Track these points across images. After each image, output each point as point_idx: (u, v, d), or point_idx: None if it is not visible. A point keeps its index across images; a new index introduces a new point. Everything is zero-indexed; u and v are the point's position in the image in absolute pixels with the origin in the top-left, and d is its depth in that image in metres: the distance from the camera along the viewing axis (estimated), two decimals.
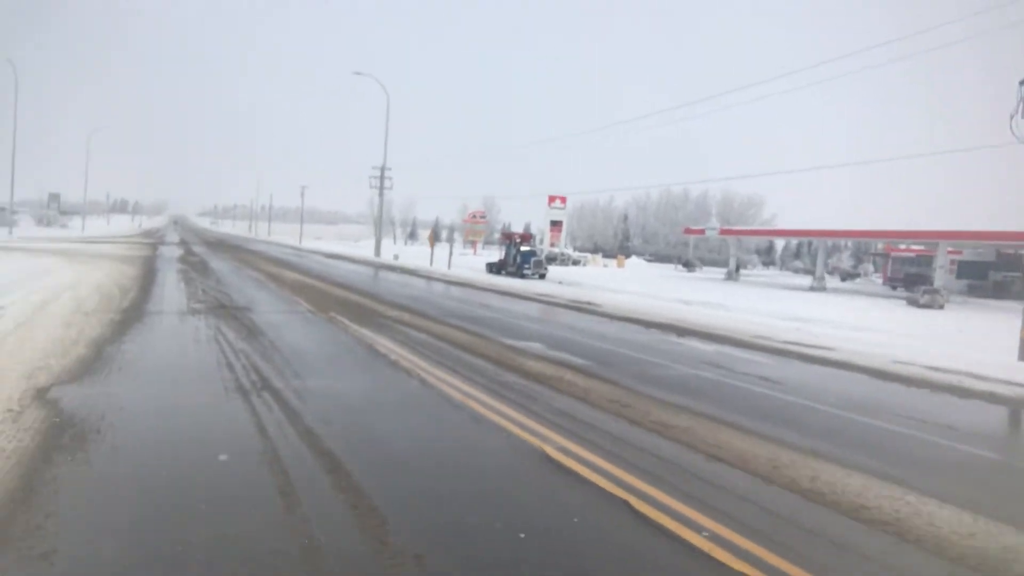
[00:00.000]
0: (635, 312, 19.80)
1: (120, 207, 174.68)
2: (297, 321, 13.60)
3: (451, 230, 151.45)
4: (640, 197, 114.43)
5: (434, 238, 53.99)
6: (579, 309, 20.18)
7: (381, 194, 65.36)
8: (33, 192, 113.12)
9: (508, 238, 43.78)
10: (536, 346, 12.08)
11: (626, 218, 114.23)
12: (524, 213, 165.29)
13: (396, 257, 55.39)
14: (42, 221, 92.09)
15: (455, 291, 24.85)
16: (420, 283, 27.96)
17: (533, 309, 19.52)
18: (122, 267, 24.96)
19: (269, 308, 15.26)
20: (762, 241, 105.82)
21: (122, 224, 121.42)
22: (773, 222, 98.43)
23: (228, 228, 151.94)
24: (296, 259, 40.55)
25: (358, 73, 59.34)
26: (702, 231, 67.44)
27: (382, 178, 63.54)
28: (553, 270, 44.36)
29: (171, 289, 18.38)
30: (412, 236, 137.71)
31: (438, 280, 30.93)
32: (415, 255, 62.11)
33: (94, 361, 8.77)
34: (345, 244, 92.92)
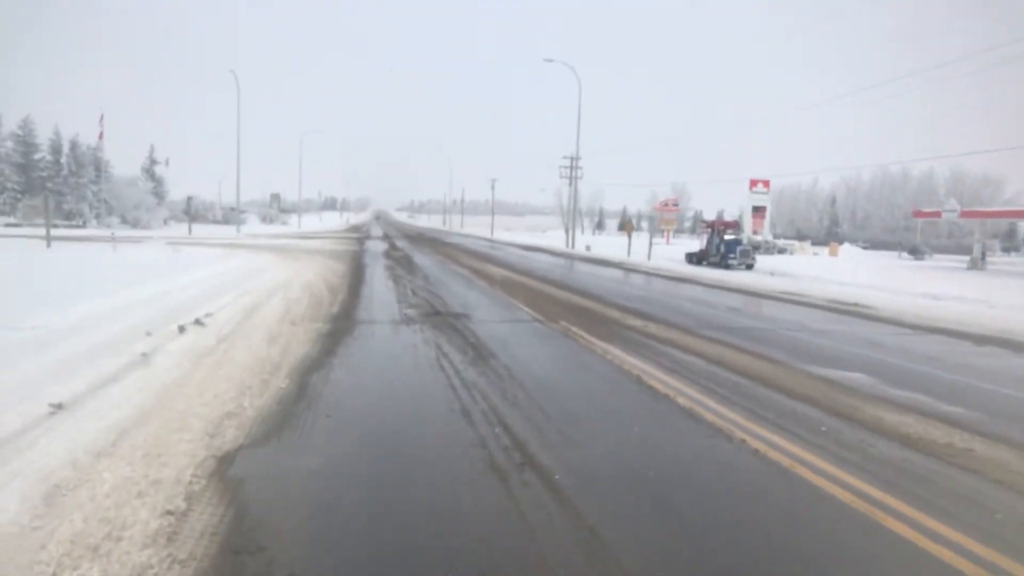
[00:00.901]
0: (928, 318, 15.35)
1: (330, 204, 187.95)
2: (526, 333, 11.03)
3: (639, 219, 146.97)
4: (850, 178, 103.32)
5: (630, 228, 50.68)
6: (845, 312, 16.07)
7: (573, 184, 63.11)
8: (258, 193, 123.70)
9: (710, 226, 39.86)
10: (863, 379, 8.54)
11: (834, 201, 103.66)
12: (716, 200, 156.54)
13: (588, 248, 52.71)
14: (265, 219, 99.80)
15: (679, 289, 21.52)
16: (634, 279, 24.89)
17: (789, 313, 15.74)
18: (332, 264, 24.19)
19: (488, 314, 12.92)
20: (999, 224, 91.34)
21: (332, 220, 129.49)
22: (1018, 201, 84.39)
23: (424, 222, 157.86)
24: (494, 252, 39.03)
25: (549, 60, 57.06)
26: (937, 213, 58.28)
27: (572, 168, 61.17)
28: (760, 260, 39.56)
29: (380, 289, 16.72)
30: (599, 226, 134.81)
31: (648, 273, 27.68)
32: (606, 245, 59.18)
33: (296, 402, 6.57)
34: (534, 235, 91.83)
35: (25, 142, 62.25)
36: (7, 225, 55.58)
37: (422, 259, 28.83)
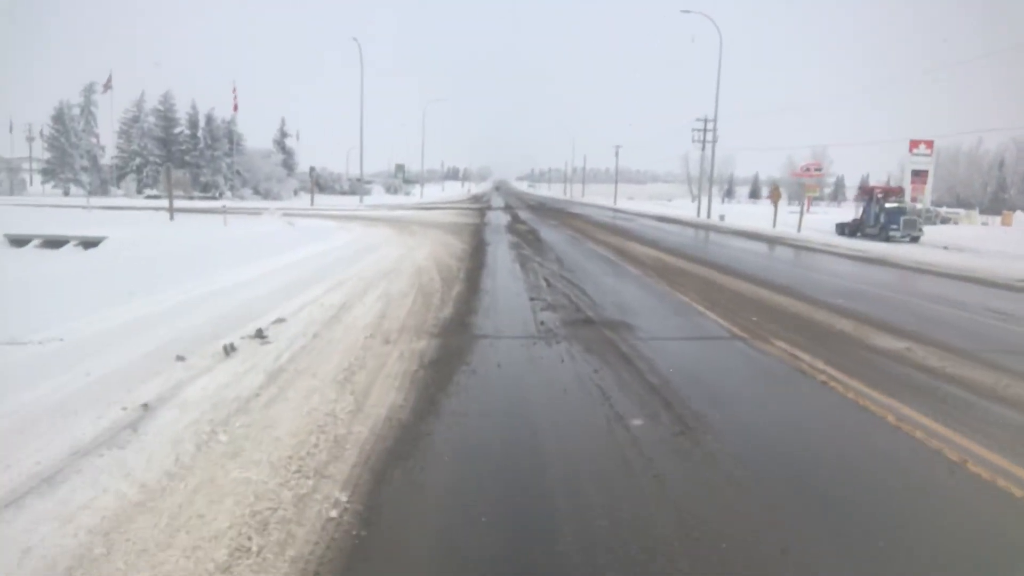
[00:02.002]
0: None
1: (452, 174, 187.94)
2: (734, 367, 7.05)
3: (774, 186, 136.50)
4: (1021, 138, 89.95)
5: (778, 195, 44.70)
6: None
7: (711, 148, 57.48)
8: (384, 164, 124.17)
9: (867, 193, 34.09)
10: None
11: (1002, 164, 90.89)
12: (859, 165, 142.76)
13: (722, 218, 47.14)
14: (389, 189, 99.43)
15: (875, 273, 16.74)
16: (807, 259, 20.13)
17: None
18: (450, 240, 20.96)
19: (659, 323, 9.05)
20: None
21: (454, 190, 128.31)
22: None
23: (544, 191, 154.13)
24: (626, 224, 34.79)
25: (686, 11, 51.24)
26: None
27: (709, 131, 55.59)
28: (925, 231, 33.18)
29: (504, 277, 13.17)
30: (728, 194, 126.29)
31: (813, 250, 22.69)
32: (741, 215, 53.32)
33: (364, 557, 3.08)
34: (659, 204, 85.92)
35: (166, 116, 63.45)
36: (148, 196, 56.81)
37: (549, 234, 25.16)
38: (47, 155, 58.00)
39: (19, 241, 27.09)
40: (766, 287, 12.51)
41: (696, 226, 36.96)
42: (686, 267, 15.52)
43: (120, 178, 61.28)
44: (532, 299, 10.55)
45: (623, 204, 79.98)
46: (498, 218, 36.04)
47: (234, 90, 60.28)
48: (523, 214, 41.52)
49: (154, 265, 15.19)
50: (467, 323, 8.71)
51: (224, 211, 26.87)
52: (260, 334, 7.58)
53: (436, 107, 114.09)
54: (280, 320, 8.33)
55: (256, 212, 32.94)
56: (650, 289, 12.03)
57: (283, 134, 76.45)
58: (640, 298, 11.08)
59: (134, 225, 28.46)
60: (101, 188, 61.89)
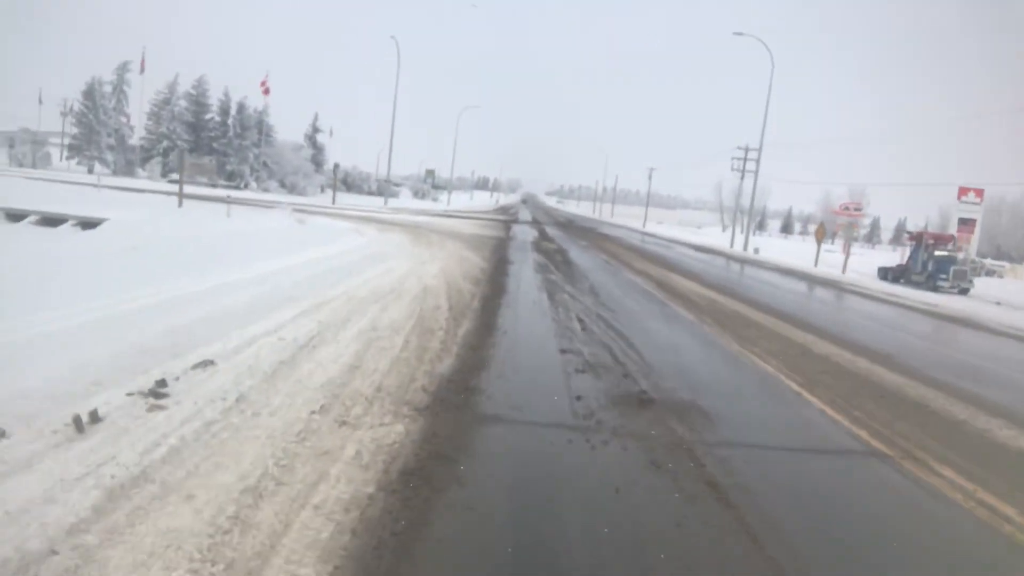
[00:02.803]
0: None
1: (482, 184, 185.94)
2: (910, 532, 4.24)
3: (805, 221, 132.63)
4: None
5: (823, 233, 41.57)
6: None
7: (748, 177, 54.73)
8: (415, 168, 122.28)
9: (916, 238, 31.47)
10: None
11: None
12: (895, 206, 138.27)
13: (756, 251, 44.10)
14: (417, 194, 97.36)
15: (966, 336, 13.85)
16: (877, 310, 17.20)
17: None
18: (469, 255, 18.31)
19: (749, 415, 6.19)
20: None
21: (482, 199, 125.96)
22: None
23: (572, 208, 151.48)
24: (661, 250, 31.97)
25: (739, 34, 48.46)
26: None
27: (745, 160, 52.88)
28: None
29: (528, 314, 10.45)
30: (760, 226, 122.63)
31: (878, 299, 19.70)
32: (775, 249, 50.32)
33: None
34: (688, 231, 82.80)
35: (197, 102, 61.81)
36: (171, 180, 55.02)
37: (580, 256, 22.45)
38: (75, 130, 56.48)
39: (15, 216, 24.97)
40: (863, 354, 9.63)
41: (734, 259, 34.04)
42: (748, 314, 12.69)
43: (146, 160, 59.62)
44: (563, 351, 7.82)
45: (652, 228, 77.11)
46: (524, 233, 33.39)
47: (266, 76, 58.48)
48: (551, 231, 38.84)
49: (126, 258, 12.77)
50: (471, 388, 6.00)
51: (228, 201, 24.47)
52: (158, 389, 4.95)
53: (470, 115, 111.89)
54: (206, 363, 5.70)
55: (270, 205, 30.64)
56: (715, 346, 9.24)
57: (315, 129, 74.60)
58: (707, 361, 8.31)
59: (140, 208, 26.26)
60: (127, 168, 60.30)
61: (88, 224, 22.84)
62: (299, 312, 8.28)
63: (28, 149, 54.21)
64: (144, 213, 24.41)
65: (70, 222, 23.65)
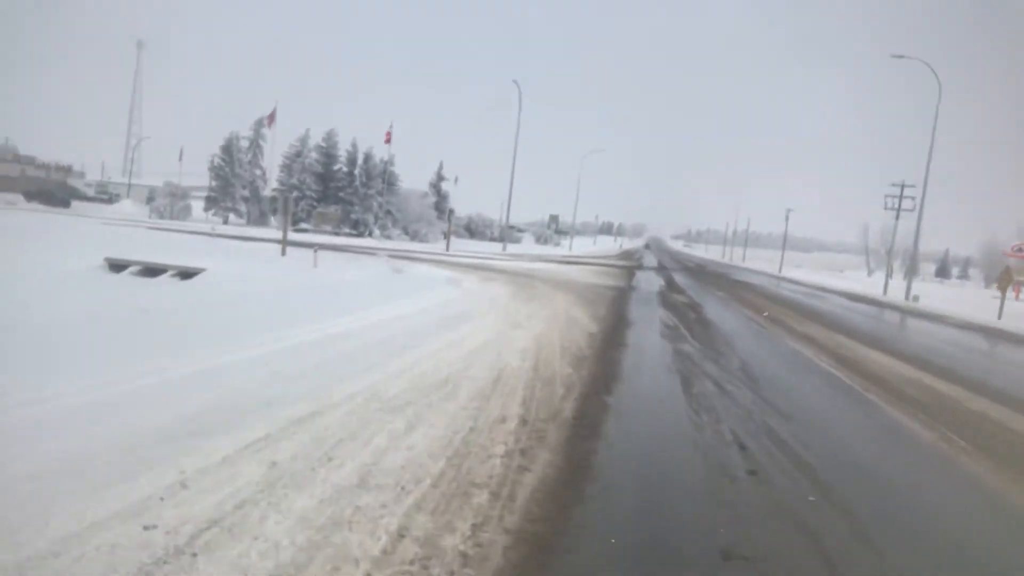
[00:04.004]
0: None
1: (606, 229, 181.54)
2: None
3: (966, 264, 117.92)
4: None
5: (1010, 279, 34.19)
6: None
7: (904, 214, 47.97)
8: (539, 214, 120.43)
9: None
10: None
11: None
12: None
13: (916, 299, 36.98)
14: (540, 239, 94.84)
15: None
16: None
17: None
18: (577, 314, 14.43)
19: None
20: None
21: (606, 244, 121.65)
22: None
23: (700, 252, 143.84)
24: (813, 301, 26.52)
25: (898, 56, 42.18)
26: None
27: (901, 198, 46.33)
28: None
29: (652, 427, 6.38)
30: (912, 271, 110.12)
31: None
32: (937, 297, 42.63)
33: None
34: (830, 275, 74.29)
35: (327, 153, 62.49)
36: (298, 229, 55.34)
37: (718, 312, 17.97)
38: (213, 184, 58.27)
39: (118, 266, 23.90)
40: None
41: (901, 310, 27.87)
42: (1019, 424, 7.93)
43: (276, 210, 60.60)
44: (727, 555, 3.81)
45: (790, 272, 69.75)
46: (649, 282, 29.06)
47: (391, 126, 58.05)
48: (680, 278, 34.17)
49: (188, 317, 10.16)
50: None
51: (316, 250, 22.11)
52: None
53: (595, 159, 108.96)
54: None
55: (371, 253, 28.35)
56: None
57: (439, 177, 74.07)
58: None
59: (243, 258, 24.62)
60: (260, 219, 61.59)
61: (187, 274, 21.29)
62: (256, 439, 4.80)
63: (168, 201, 56.26)
64: (241, 263, 22.62)
65: (169, 272, 22.21)
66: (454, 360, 8.19)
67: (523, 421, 5.94)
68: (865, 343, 13.75)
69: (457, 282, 19.58)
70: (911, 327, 20.55)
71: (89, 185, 71.35)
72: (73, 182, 70.40)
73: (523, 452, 5.12)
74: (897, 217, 49.48)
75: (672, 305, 18.34)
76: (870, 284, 56.89)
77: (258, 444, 4.72)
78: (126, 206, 62.32)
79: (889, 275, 42.17)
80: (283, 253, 26.55)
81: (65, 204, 57.92)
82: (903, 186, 47.95)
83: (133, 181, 76.70)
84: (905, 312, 26.77)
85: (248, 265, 22.24)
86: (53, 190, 61.04)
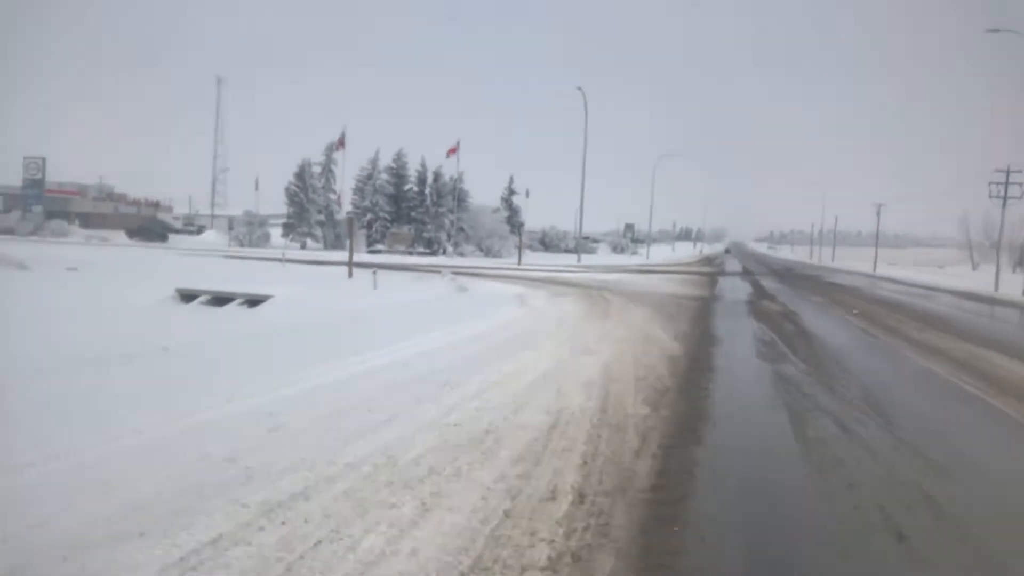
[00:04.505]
0: None
1: (684, 235, 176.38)
2: None
3: None
4: None
5: None
6: None
7: (1012, 202, 43.70)
8: (613, 223, 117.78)
9: None
10: None
11: None
12: None
13: None
14: (616, 249, 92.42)
15: None
16: None
17: None
18: (654, 332, 12.62)
19: None
20: None
21: (685, 250, 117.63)
22: None
23: (786, 253, 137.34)
24: (927, 303, 23.54)
25: (993, 31, 38.14)
26: None
27: (1007, 184, 42.23)
28: None
29: (770, 502, 4.68)
30: (1021, 263, 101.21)
31: None
32: None
33: None
34: (929, 272, 68.51)
35: (397, 174, 62.59)
36: (371, 251, 55.38)
37: (819, 322, 15.71)
38: (289, 210, 59.16)
39: (188, 296, 23.73)
40: None
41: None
42: None
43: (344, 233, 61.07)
44: None
45: (885, 270, 64.81)
46: (735, 289, 26.70)
47: (457, 142, 57.54)
48: (768, 283, 31.51)
49: (213, 354, 9.17)
50: None
51: (375, 272, 21.11)
52: None
53: (670, 163, 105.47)
54: None
55: (431, 271, 27.24)
56: None
57: (510, 191, 73.11)
58: None
59: (309, 282, 24.07)
60: (336, 242, 62.13)
61: (254, 301, 20.82)
62: (197, 546, 3.41)
63: (246, 230, 57.42)
64: (306, 288, 21.96)
65: (237, 301, 21.80)
66: (502, 402, 6.65)
67: (580, 497, 4.32)
68: (1008, 353, 11.35)
69: (524, 299, 18.11)
70: None
71: (176, 218, 74.10)
72: (162, 216, 73.34)
73: (576, 557, 3.51)
74: (1004, 205, 44.91)
75: (764, 315, 16.21)
76: (978, 280, 51.90)
77: (198, 556, 3.32)
78: (210, 236, 64.23)
79: (999, 269, 37.80)
80: (350, 275, 25.79)
81: (163, 238, 60.15)
82: (1008, 171, 43.54)
83: (218, 212, 79.34)
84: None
85: (313, 290, 21.54)
86: (150, 226, 63.50)
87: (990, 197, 45.46)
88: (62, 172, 65.80)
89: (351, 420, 5.79)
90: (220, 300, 22.24)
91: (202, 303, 22.57)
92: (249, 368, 7.94)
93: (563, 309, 15.94)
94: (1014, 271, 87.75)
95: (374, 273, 20.55)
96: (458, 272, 29.93)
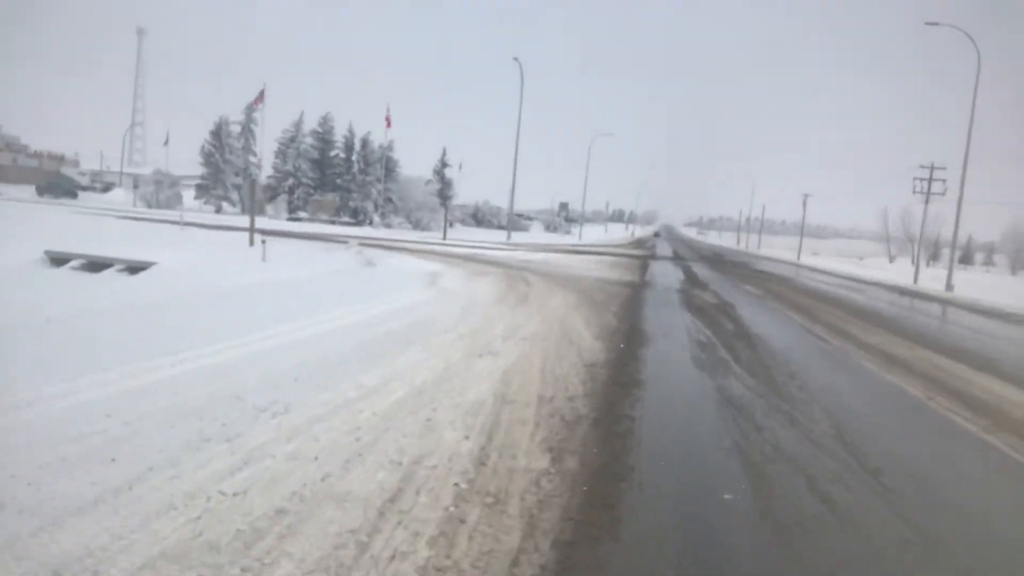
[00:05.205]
0: None
1: (617, 216, 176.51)
2: None
3: (989, 252, 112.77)
4: None
5: None
6: None
7: (934, 198, 44.34)
8: (547, 202, 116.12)
9: None
10: None
11: None
12: None
13: (951, 289, 32.79)
14: (549, 227, 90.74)
15: None
16: None
17: None
18: (576, 325, 10.59)
19: None
20: None
21: (617, 232, 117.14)
22: None
23: (714, 239, 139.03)
24: (853, 295, 22.50)
25: (933, 23, 37.73)
26: None
27: (931, 181, 42.73)
28: None
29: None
30: (934, 257, 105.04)
31: None
32: (971, 285, 38.65)
33: None
34: (850, 263, 69.71)
35: (323, 139, 58.75)
36: (291, 219, 51.78)
37: (759, 317, 14.05)
38: (204, 171, 54.67)
39: (59, 260, 20.43)
40: None
41: (961, 306, 23.68)
42: None
43: (272, 199, 57.01)
44: None
45: (809, 260, 65.40)
46: (666, 274, 25.11)
47: (388, 109, 54.21)
48: (700, 269, 30.15)
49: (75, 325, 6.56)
50: None
51: (264, 241, 18.43)
52: None
53: (604, 145, 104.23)
54: None
55: (342, 241, 24.61)
56: None
57: (443, 164, 70.27)
58: None
59: (203, 249, 21.16)
60: (256, 207, 58.10)
61: (134, 268, 17.89)
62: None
63: (154, 189, 52.74)
64: (199, 256, 19.10)
65: (115, 267, 18.74)
66: (334, 444, 4.42)
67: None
68: (973, 365, 9.83)
69: (436, 279, 15.84)
70: (998, 332, 16.53)
71: (83, 174, 68.02)
72: (67, 171, 67.20)
73: None
74: (927, 201, 45.27)
75: (699, 308, 14.45)
76: (896, 272, 52.61)
77: None
78: (118, 195, 59.07)
79: (951, 263, 37.88)
80: (251, 243, 22.90)
81: (72, 195, 54.78)
82: (932, 168, 43.84)
83: (133, 170, 73.46)
84: (964, 308, 22.65)
85: (204, 258, 18.72)
86: (58, 181, 57.75)
87: (913, 192, 45.77)
88: None
89: (65, 482, 3.46)
90: (96, 266, 19.21)
91: (74, 268, 19.46)
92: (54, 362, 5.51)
93: (475, 292, 13.76)
94: (928, 265, 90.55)
95: (263, 242, 17.85)
96: (375, 245, 27.34)
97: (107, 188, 64.09)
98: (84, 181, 65.63)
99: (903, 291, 29.13)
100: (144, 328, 7.95)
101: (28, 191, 53.11)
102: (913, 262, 71.58)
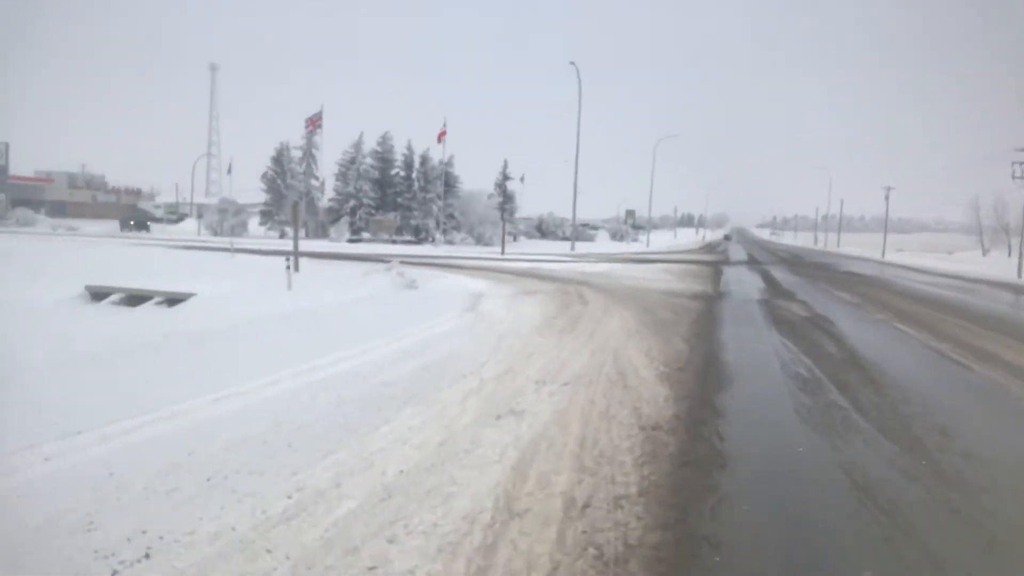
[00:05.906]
0: None
1: (686, 220, 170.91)
2: None
3: None
4: None
5: None
6: None
7: None
8: (614, 209, 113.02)
9: None
10: None
11: None
12: None
13: None
14: (615, 236, 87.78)
15: None
16: None
17: None
18: (637, 361, 8.32)
19: None
20: None
21: (687, 237, 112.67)
22: None
23: (789, 240, 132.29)
24: (966, 297, 19.15)
25: None
26: None
27: None
28: None
29: None
30: None
31: None
32: None
33: None
34: (939, 258, 63.75)
35: (383, 158, 58.01)
36: (353, 240, 51.10)
37: (867, 335, 11.31)
38: (267, 197, 54.76)
39: (99, 295, 19.64)
40: None
41: None
42: None
43: (335, 221, 56.62)
44: None
45: (894, 257, 60.18)
46: (741, 282, 22.32)
47: (444, 123, 52.96)
48: (780, 274, 27.04)
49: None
50: None
51: (289, 266, 16.81)
52: None
53: (670, 147, 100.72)
54: None
55: (384, 260, 22.94)
56: None
57: (504, 176, 68.68)
58: None
59: (247, 277, 19.99)
60: (319, 230, 57.84)
61: (174, 300, 16.80)
62: None
63: (219, 218, 53.10)
64: (240, 283, 17.88)
65: (154, 300, 17.71)
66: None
67: None
68: None
69: (479, 300, 13.85)
70: None
71: (158, 207, 69.88)
72: (143, 205, 69.15)
73: None
74: None
75: (788, 324, 11.86)
76: (993, 266, 47.28)
77: None
78: (188, 225, 60.05)
79: (1021, 254, 33.29)
80: (295, 268, 21.55)
81: (145, 228, 56.10)
82: None
83: (207, 201, 75.21)
84: None
85: (245, 286, 17.46)
86: (133, 215, 59.32)
87: (1013, 178, 41.02)
88: (42, 160, 61.76)
89: None
90: (135, 299, 18.22)
91: (113, 303, 18.54)
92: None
93: (520, 316, 11.66)
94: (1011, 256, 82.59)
95: (288, 268, 16.27)
96: (426, 263, 25.66)
97: (180, 219, 65.49)
98: (158, 213, 67.30)
99: (1017, 288, 25.23)
100: (162, 371, 6.22)
101: (108, 225, 54.55)
102: (1010, 254, 64.97)
